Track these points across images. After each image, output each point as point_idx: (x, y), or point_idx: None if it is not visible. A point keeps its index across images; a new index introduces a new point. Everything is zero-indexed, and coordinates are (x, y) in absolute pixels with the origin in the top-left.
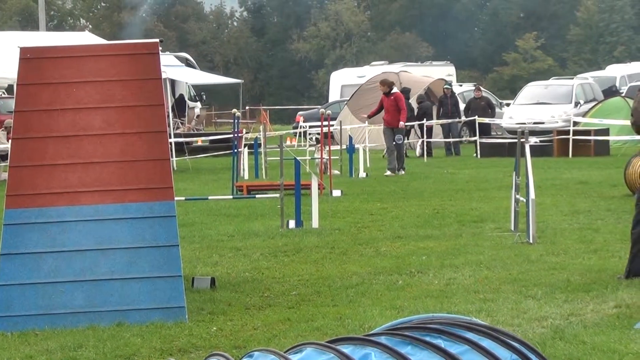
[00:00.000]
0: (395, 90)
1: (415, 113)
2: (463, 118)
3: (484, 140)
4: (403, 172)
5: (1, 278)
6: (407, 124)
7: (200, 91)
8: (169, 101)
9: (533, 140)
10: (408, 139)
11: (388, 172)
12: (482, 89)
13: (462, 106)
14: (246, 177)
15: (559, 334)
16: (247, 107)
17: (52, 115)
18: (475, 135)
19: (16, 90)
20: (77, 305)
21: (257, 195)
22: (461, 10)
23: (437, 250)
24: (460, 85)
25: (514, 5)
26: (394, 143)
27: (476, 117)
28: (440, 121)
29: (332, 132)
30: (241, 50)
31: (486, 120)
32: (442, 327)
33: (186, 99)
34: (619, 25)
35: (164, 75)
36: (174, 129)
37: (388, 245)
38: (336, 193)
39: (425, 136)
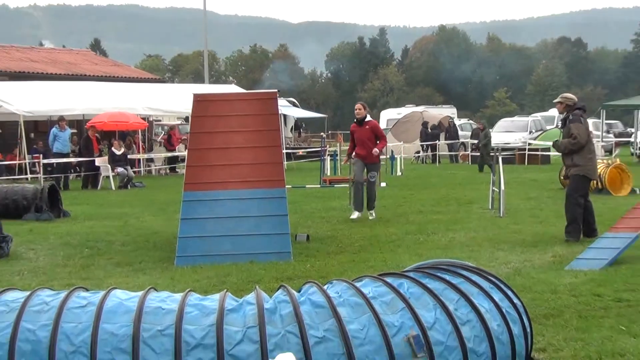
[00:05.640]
0: (368, 118)
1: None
2: (462, 140)
3: (474, 154)
4: (374, 216)
5: (181, 233)
6: (424, 143)
7: (301, 121)
8: (283, 128)
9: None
10: (425, 152)
11: (355, 215)
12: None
13: (460, 132)
14: (328, 173)
15: (518, 272)
16: (329, 132)
17: (213, 135)
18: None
19: (190, 119)
20: (226, 250)
21: (335, 185)
22: (460, 74)
23: (444, 220)
24: (459, 120)
25: (494, 71)
26: (368, 180)
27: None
28: (446, 142)
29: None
30: (326, 96)
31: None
32: (447, 267)
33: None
34: (557, 84)
35: (280, 112)
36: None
37: (414, 217)
38: (383, 184)
39: (438, 150)
